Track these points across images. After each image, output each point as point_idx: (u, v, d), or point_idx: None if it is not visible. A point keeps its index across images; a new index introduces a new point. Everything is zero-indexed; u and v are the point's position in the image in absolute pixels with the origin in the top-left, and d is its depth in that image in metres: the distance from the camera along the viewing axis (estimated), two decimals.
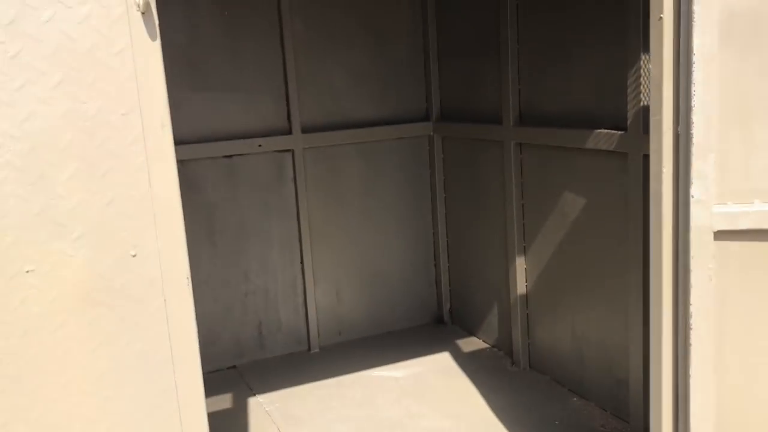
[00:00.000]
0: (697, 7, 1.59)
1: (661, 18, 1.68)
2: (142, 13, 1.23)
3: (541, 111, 3.37)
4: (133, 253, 1.28)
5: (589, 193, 3.09)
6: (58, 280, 1.23)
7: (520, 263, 3.62)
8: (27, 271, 1.21)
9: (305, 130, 3.98)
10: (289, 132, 3.95)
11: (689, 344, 1.72)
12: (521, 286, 3.64)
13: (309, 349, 4.18)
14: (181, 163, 3.74)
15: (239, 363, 4.02)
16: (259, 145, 3.89)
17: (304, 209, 4.03)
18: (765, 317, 1.72)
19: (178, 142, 3.52)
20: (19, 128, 1.15)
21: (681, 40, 1.64)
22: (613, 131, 2.84)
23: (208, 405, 2.99)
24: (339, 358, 4.02)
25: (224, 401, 3.59)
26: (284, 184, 4.01)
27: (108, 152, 1.23)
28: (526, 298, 3.64)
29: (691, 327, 1.71)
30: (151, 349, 1.31)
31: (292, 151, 3.97)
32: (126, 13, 1.21)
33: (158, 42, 1.26)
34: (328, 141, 4.04)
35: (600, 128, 2.92)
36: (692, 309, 1.71)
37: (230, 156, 3.87)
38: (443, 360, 3.91)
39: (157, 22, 1.26)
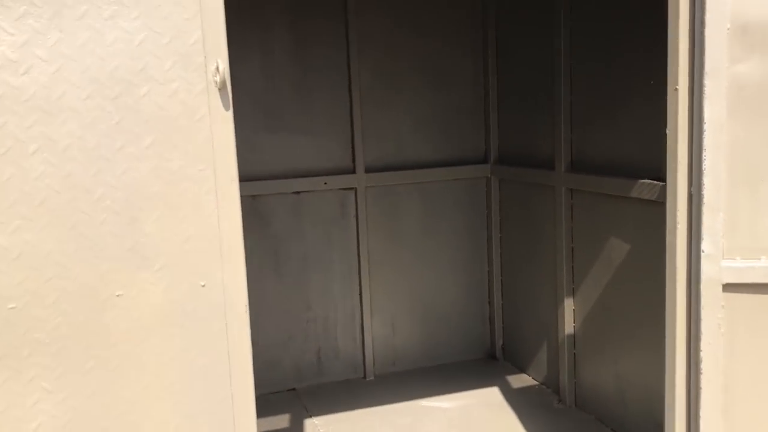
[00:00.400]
0: (707, 81, 1.76)
1: (676, 89, 1.85)
2: (219, 89, 1.51)
3: (591, 159, 3.52)
4: (203, 284, 1.55)
5: (634, 240, 3.22)
6: (141, 304, 1.51)
7: (569, 304, 3.75)
8: (117, 295, 1.50)
9: (368, 170, 4.25)
10: (353, 171, 4.24)
11: (699, 388, 1.85)
12: (569, 326, 3.76)
13: (364, 376, 4.39)
14: (254, 198, 4.09)
15: (299, 386, 4.28)
16: (325, 183, 4.19)
17: (364, 244, 4.29)
18: None
19: (252, 178, 3.89)
20: (118, 180, 1.45)
21: (694, 109, 1.81)
22: (655, 182, 2.97)
23: (267, 423, 3.26)
24: (392, 386, 4.22)
25: (282, 421, 3.84)
26: (346, 219, 4.29)
27: (187, 200, 1.51)
28: (573, 338, 3.76)
29: (701, 372, 1.84)
30: (213, 364, 1.57)
31: (355, 189, 4.25)
32: (206, 89, 1.50)
33: (231, 111, 1.54)
34: (389, 180, 4.30)
35: (643, 178, 3.06)
36: (702, 355, 1.84)
37: (298, 192, 4.18)
38: (492, 394, 4.04)
39: (230, 95, 1.54)
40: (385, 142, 4.31)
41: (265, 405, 3.95)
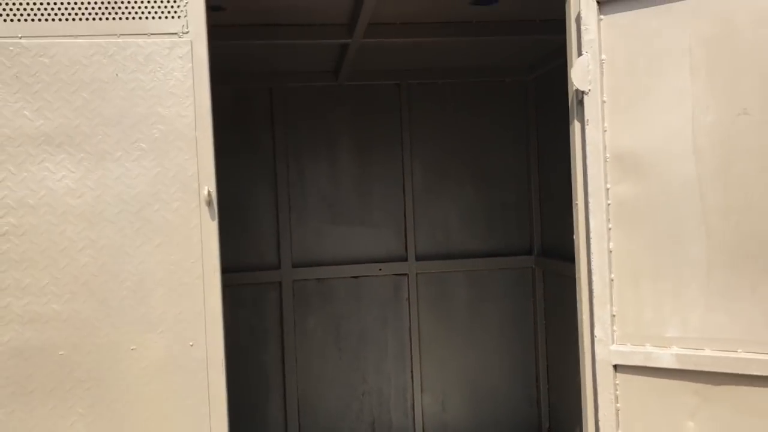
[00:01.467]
0: (591, 199, 2.17)
1: (576, 204, 2.28)
2: (208, 206, 2.15)
3: None
4: (191, 344, 2.15)
5: None
6: (148, 356, 2.12)
7: None
8: (132, 349, 2.12)
9: (419, 258, 4.78)
10: (405, 259, 4.78)
11: None
12: None
13: None
14: (318, 281, 4.73)
15: None
16: (380, 269, 4.75)
17: (415, 325, 4.76)
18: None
19: (317, 264, 4.52)
20: (135, 268, 2.10)
21: (587, 221, 2.22)
22: None
23: None
24: None
25: None
26: (399, 302, 4.80)
27: (181, 283, 2.13)
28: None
29: None
30: (197, 404, 2.13)
31: (407, 275, 4.77)
32: (198, 206, 2.14)
33: (216, 221, 2.17)
34: (438, 268, 4.79)
35: None
36: (600, 424, 2.16)
37: (357, 277, 4.77)
38: None
39: (216, 209, 2.17)
40: (434, 233, 4.83)
41: None
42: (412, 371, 4.78)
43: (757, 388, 1.95)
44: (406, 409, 4.81)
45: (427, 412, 4.81)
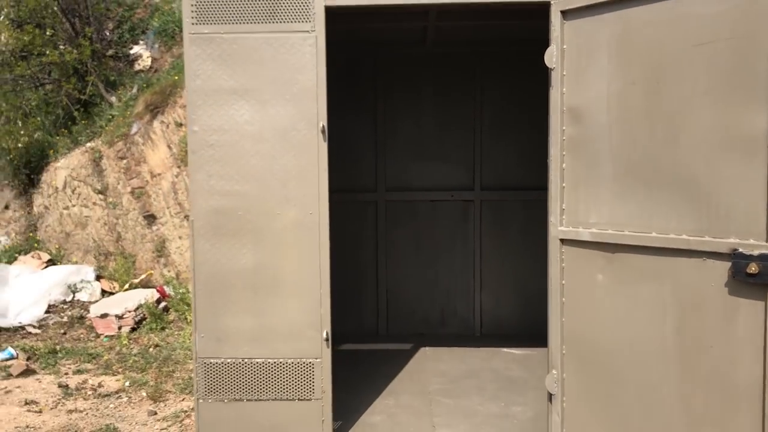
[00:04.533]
0: (552, 136, 3.50)
1: (549, 138, 3.61)
2: (322, 133, 3.68)
3: None
4: (311, 212, 3.70)
5: None
6: (287, 217, 3.69)
7: None
8: (277, 213, 3.72)
9: (483, 188, 6.17)
10: (472, 189, 6.18)
11: (550, 294, 3.56)
12: None
13: (473, 333, 6.25)
14: (406, 202, 6.24)
15: (425, 332, 6.28)
16: (452, 195, 6.19)
17: (478, 240, 6.18)
18: (584, 283, 3.46)
19: (405, 189, 6.05)
20: (281, 167, 3.67)
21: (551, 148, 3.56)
22: None
23: (397, 346, 5.34)
24: (489, 341, 6.02)
25: (406, 346, 5.89)
26: (467, 222, 6.23)
27: (305, 177, 3.68)
28: None
29: (550, 286, 3.55)
30: (312, 248, 3.69)
31: (473, 201, 6.18)
32: (317, 133, 3.69)
33: (326, 143, 3.69)
34: (498, 197, 6.16)
35: None
36: (550, 278, 3.55)
37: (434, 201, 6.24)
38: None
39: (327, 136, 3.70)
40: (496, 169, 6.18)
41: (401, 339, 6.05)
42: (474, 274, 6.23)
43: (635, 255, 3.25)
44: (468, 302, 6.28)
45: (485, 307, 6.26)
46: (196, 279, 3.79)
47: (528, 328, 6.14)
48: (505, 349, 5.76)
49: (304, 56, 3.67)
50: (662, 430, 3.19)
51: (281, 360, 3.79)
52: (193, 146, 3.76)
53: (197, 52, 3.72)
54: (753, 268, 2.85)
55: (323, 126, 3.71)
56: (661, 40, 3.10)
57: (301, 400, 3.79)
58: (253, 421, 3.81)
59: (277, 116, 3.72)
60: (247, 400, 3.81)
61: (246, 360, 3.80)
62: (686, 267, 3.09)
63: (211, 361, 3.81)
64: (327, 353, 3.76)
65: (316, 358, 3.77)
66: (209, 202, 3.77)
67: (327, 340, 3.75)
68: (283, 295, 3.75)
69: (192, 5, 3.67)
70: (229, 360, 3.80)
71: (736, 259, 2.89)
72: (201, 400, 3.83)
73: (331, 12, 3.68)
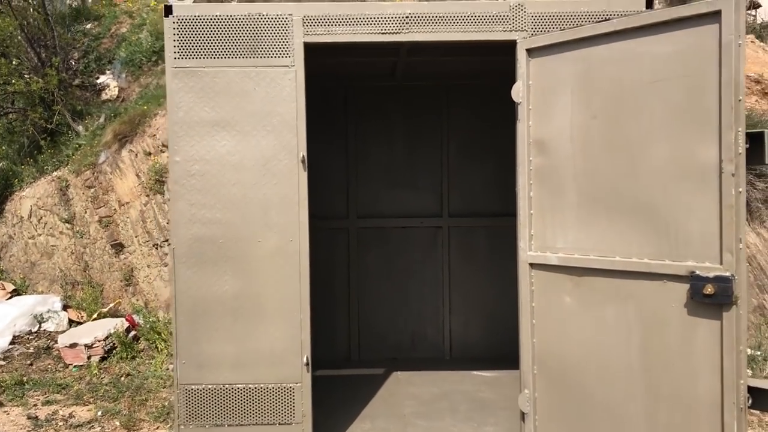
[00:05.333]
0: (519, 167, 3.71)
1: (518, 169, 3.81)
2: (302, 163, 3.82)
3: None
4: (291, 240, 3.83)
5: None
6: (267, 245, 3.82)
7: None
8: (258, 241, 3.84)
9: (451, 215, 6.36)
10: (441, 215, 6.37)
11: (521, 316, 3.73)
12: None
13: (443, 357, 6.39)
14: (377, 228, 6.39)
15: (397, 356, 6.40)
16: (422, 222, 6.37)
17: (447, 265, 6.36)
18: (553, 305, 3.65)
19: (377, 216, 6.21)
20: (264, 195, 3.81)
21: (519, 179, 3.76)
22: None
23: (370, 371, 5.42)
24: (458, 364, 6.17)
25: (379, 371, 6.00)
26: (436, 247, 6.41)
27: (286, 205, 3.82)
28: None
29: (521, 309, 3.72)
30: (292, 274, 3.82)
31: (442, 228, 6.37)
32: (297, 163, 3.83)
33: (306, 172, 3.84)
34: (465, 223, 6.37)
35: None
36: (520, 301, 3.73)
37: (404, 227, 6.41)
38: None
39: (307, 165, 3.85)
40: (464, 196, 6.39)
41: (373, 364, 6.15)
42: (443, 299, 6.39)
43: (600, 278, 3.46)
44: (438, 326, 6.43)
45: (454, 330, 6.41)
46: (177, 306, 3.86)
47: (496, 351, 6.31)
48: (474, 372, 5.91)
49: (284, 89, 3.83)
50: None
51: (262, 385, 3.87)
52: (174, 176, 3.86)
53: (179, 85, 3.84)
54: (709, 289, 3.07)
55: (303, 156, 3.85)
56: (620, 77, 3.34)
57: (282, 424, 3.87)
58: None
59: (258, 147, 3.86)
60: (228, 425, 3.87)
61: (227, 386, 3.87)
62: (648, 289, 3.30)
63: (192, 387, 3.87)
64: (307, 378, 3.86)
65: (297, 383, 3.86)
66: (191, 231, 3.86)
67: (307, 364, 3.85)
68: (264, 321, 3.85)
69: (175, 40, 3.80)
70: (210, 386, 3.87)
71: (694, 281, 3.11)
72: (182, 427, 3.88)
73: (309, 48, 3.85)
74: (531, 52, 3.67)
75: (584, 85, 3.46)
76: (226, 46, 3.81)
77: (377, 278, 6.42)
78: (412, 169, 6.41)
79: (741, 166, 2.99)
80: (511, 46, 3.75)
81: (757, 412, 5.26)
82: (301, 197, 3.86)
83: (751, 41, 16.40)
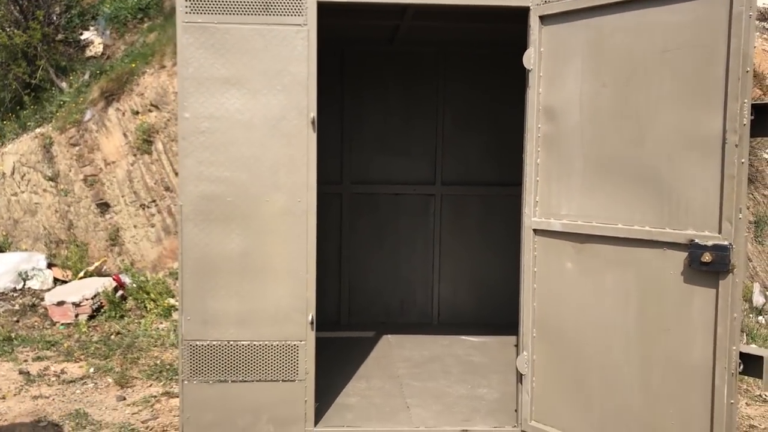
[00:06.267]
0: (528, 134, 3.78)
1: (525, 135, 3.88)
2: (312, 124, 3.84)
3: None
4: (299, 200, 3.84)
5: None
6: (276, 204, 3.84)
7: None
8: (266, 200, 3.84)
9: (444, 183, 6.43)
10: (434, 183, 6.43)
11: (522, 280, 3.84)
12: None
13: (431, 322, 6.51)
14: (369, 195, 6.44)
15: (386, 321, 6.49)
16: (414, 189, 6.43)
17: (437, 232, 6.44)
18: (554, 271, 3.75)
19: (370, 182, 6.25)
20: (273, 154, 3.82)
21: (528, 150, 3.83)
22: None
23: (360, 334, 5.52)
24: (446, 329, 6.29)
25: (369, 334, 6.10)
26: (427, 215, 6.48)
27: (295, 165, 3.83)
28: None
29: (523, 274, 3.83)
30: (300, 232, 3.85)
31: (434, 195, 6.44)
32: (307, 123, 3.83)
33: (315, 133, 3.85)
34: (458, 191, 6.44)
35: None
36: (522, 266, 3.83)
37: (397, 194, 6.46)
38: (508, 337, 5.95)
39: (316, 125, 3.85)
40: (457, 165, 6.45)
41: (362, 327, 6.25)
42: (433, 265, 6.48)
43: (602, 245, 3.56)
44: (427, 292, 6.53)
45: (443, 296, 6.52)
46: (183, 263, 3.88)
47: (483, 317, 6.45)
48: (463, 337, 6.04)
49: (296, 49, 3.82)
50: (622, 407, 3.50)
51: (267, 342, 3.92)
52: (183, 132, 3.84)
53: (190, 40, 3.80)
54: (707, 257, 3.18)
55: (313, 117, 3.87)
56: (631, 46, 3.41)
57: (286, 381, 3.93)
58: (238, 401, 3.93)
59: (268, 106, 3.86)
60: (232, 381, 3.93)
61: (232, 342, 3.92)
62: (648, 256, 3.41)
63: (197, 343, 3.91)
64: (311, 336, 3.92)
65: (301, 341, 3.93)
66: (199, 188, 3.87)
67: (312, 323, 3.91)
68: (270, 279, 3.89)
69: None
70: (215, 342, 3.91)
71: (693, 249, 3.22)
72: (186, 382, 3.92)
73: (323, 7, 3.84)
74: (544, 19, 3.72)
75: (595, 53, 3.52)
76: (239, 2, 3.78)
77: (368, 244, 6.48)
78: (406, 136, 6.44)
79: (745, 137, 3.07)
80: (523, 12, 3.78)
81: (752, 380, 5.47)
82: (310, 158, 3.88)
83: None
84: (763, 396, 5.50)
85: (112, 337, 6.29)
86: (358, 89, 6.36)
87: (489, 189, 6.44)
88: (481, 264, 6.49)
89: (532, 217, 3.83)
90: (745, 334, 6.88)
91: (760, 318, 7.32)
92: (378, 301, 6.52)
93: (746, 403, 5.34)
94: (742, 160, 3.07)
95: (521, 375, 3.94)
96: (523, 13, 3.79)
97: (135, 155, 8.02)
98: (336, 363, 5.22)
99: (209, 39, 3.81)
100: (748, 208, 8.74)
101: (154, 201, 7.88)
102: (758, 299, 7.57)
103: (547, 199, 3.78)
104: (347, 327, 6.34)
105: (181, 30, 3.80)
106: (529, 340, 3.89)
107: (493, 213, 6.44)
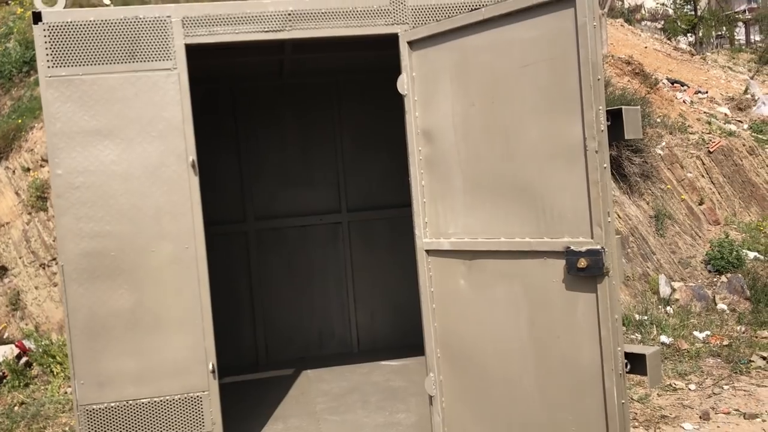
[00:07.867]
0: (410, 157, 3.83)
1: (409, 158, 3.93)
2: (192, 168, 3.77)
3: None
4: (187, 247, 3.76)
5: None
6: (162, 254, 3.74)
7: None
8: (152, 251, 3.74)
9: (349, 210, 6.44)
10: (340, 211, 6.43)
11: (422, 301, 3.86)
12: None
13: (351, 350, 6.46)
14: (274, 230, 6.37)
15: (306, 355, 6.41)
16: (320, 219, 6.41)
17: (349, 260, 6.43)
18: (450, 289, 3.80)
19: (274, 217, 6.19)
20: (154, 202, 3.74)
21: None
22: None
23: (280, 373, 5.38)
24: (367, 355, 6.25)
25: (288, 372, 5.99)
26: (336, 244, 6.46)
27: (179, 212, 3.75)
28: None
29: (422, 295, 3.85)
30: (190, 282, 3.76)
31: (341, 223, 6.43)
32: (187, 167, 3.76)
33: (197, 177, 3.79)
34: (364, 217, 6.45)
35: None
36: (420, 287, 3.85)
37: (303, 226, 6.43)
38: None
39: (197, 170, 3.79)
40: (361, 191, 6.48)
41: (281, 365, 6.14)
42: (347, 293, 6.46)
43: (489, 260, 3.62)
44: (344, 321, 6.49)
45: (360, 323, 6.49)
46: (71, 324, 3.71)
47: (402, 340, 6.44)
48: (383, 362, 6.02)
49: (167, 93, 3.75)
50: (526, 418, 3.54)
51: (168, 397, 3.79)
52: (57, 190, 3.70)
53: (55, 94, 3.68)
54: (582, 263, 3.24)
55: (193, 160, 3.80)
56: (493, 64, 3.51)
57: None
58: None
59: (144, 154, 3.77)
60: None
61: (131, 402, 3.76)
62: (531, 267, 3.47)
63: (94, 407, 3.74)
64: (214, 385, 3.82)
65: (204, 391, 3.81)
66: (79, 246, 3.72)
67: (213, 371, 3.80)
68: (166, 331, 3.77)
69: (47, 48, 3.65)
70: (113, 404, 3.75)
71: (569, 256, 3.28)
72: None
73: (191, 49, 3.80)
74: (412, 44, 3.79)
75: (462, 73, 3.61)
76: (104, 52, 3.70)
77: (280, 280, 6.39)
78: (307, 165, 6.43)
79: (603, 142, 3.17)
80: (394, 39, 3.85)
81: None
82: (193, 202, 3.80)
83: (621, 25, 17.47)
84: (673, 385, 5.71)
85: (16, 408, 5.95)
86: (252, 125, 6.31)
87: (393, 211, 6.48)
88: (396, 286, 6.50)
89: (423, 238, 3.87)
90: (655, 326, 7.14)
91: (668, 308, 7.62)
92: (295, 337, 6.43)
93: (657, 394, 5.52)
94: (604, 165, 3.19)
95: (431, 397, 3.95)
96: (394, 39, 3.86)
97: (30, 213, 7.68)
98: (253, 406, 5.10)
99: (75, 92, 3.70)
100: (647, 203, 9.15)
101: (54, 259, 7.54)
102: (665, 290, 7.88)
103: (435, 219, 3.83)
104: (265, 367, 6.21)
105: (44, 85, 3.68)
106: (434, 360, 3.91)
107: (401, 234, 6.47)
